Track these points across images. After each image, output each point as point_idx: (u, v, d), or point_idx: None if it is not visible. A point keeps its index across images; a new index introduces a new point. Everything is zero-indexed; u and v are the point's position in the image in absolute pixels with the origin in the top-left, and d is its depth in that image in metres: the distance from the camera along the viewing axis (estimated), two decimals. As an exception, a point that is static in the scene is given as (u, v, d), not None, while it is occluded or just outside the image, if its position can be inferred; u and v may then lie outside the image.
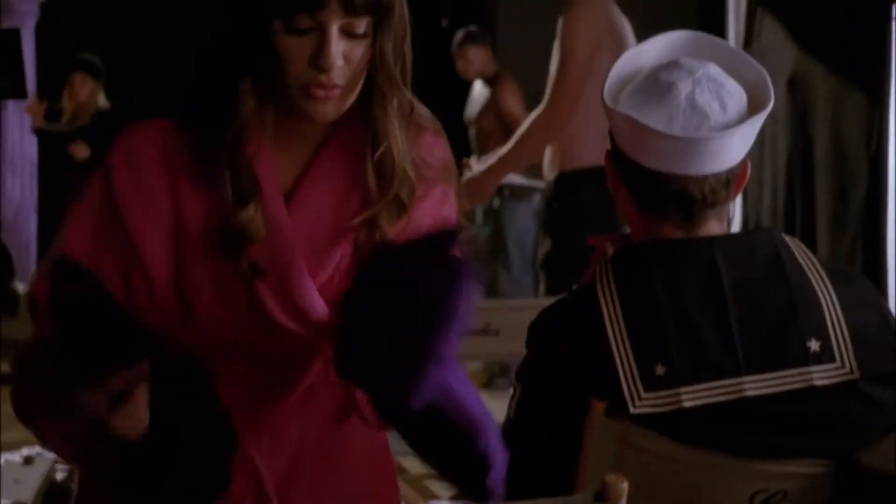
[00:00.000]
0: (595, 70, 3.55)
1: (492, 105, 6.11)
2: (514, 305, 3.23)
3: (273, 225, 1.55)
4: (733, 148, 1.56)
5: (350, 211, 1.58)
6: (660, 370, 1.51)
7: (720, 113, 1.55)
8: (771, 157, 3.78)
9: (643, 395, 1.50)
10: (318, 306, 1.59)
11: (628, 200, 1.64)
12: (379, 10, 1.50)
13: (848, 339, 1.53)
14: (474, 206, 4.07)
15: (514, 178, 4.37)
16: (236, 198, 1.53)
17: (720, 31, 4.20)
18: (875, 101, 3.20)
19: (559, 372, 1.60)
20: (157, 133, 1.54)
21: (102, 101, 6.68)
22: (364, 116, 1.57)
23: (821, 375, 1.51)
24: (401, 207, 1.59)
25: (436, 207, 1.64)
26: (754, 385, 1.50)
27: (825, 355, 1.52)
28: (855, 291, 1.59)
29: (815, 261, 1.60)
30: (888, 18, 3.17)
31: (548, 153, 3.77)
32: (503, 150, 3.78)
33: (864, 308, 1.59)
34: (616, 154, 1.64)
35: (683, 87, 1.56)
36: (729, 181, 1.58)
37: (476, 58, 6.22)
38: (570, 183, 3.67)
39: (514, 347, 2.91)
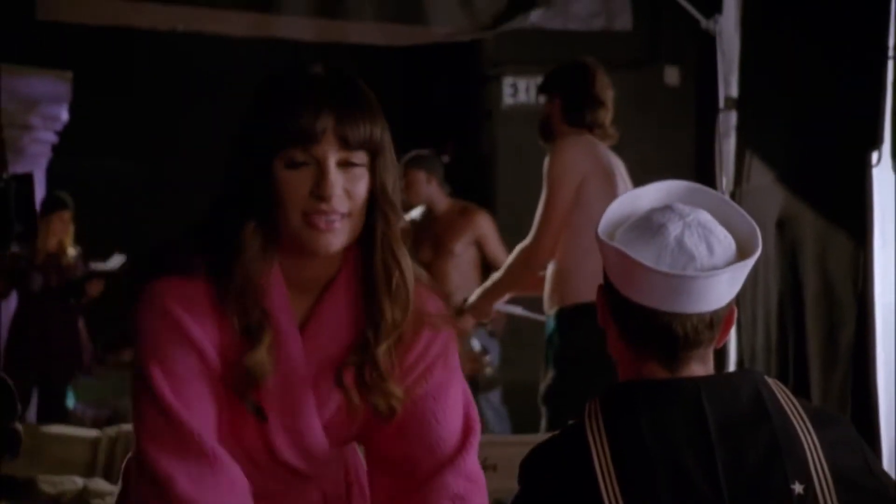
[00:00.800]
0: (583, 202, 3.66)
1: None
2: (511, 441, 3.27)
3: (287, 362, 1.61)
4: (718, 291, 1.61)
5: (350, 341, 1.65)
6: None
7: (707, 256, 1.61)
8: (763, 296, 3.85)
9: None
10: (322, 443, 1.66)
11: (616, 336, 1.69)
12: (373, 145, 1.60)
13: (831, 483, 1.57)
14: (476, 323, 4.22)
15: (517, 310, 4.41)
16: (247, 339, 1.59)
17: (711, 173, 4.32)
18: (859, 242, 3.31)
19: None
20: (173, 284, 1.62)
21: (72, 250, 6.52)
22: (368, 250, 1.64)
23: None
24: (398, 338, 1.66)
25: (443, 353, 1.72)
26: None
27: (809, 498, 1.55)
28: (836, 434, 1.63)
29: (796, 403, 1.65)
30: (866, 165, 3.30)
31: (547, 288, 3.82)
32: (496, 275, 3.96)
33: (846, 451, 1.62)
34: (607, 288, 1.69)
35: (673, 229, 1.62)
36: (713, 323, 1.62)
37: (418, 182, 5.80)
38: (570, 318, 3.70)
39: (512, 483, 2.95)
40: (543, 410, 3.79)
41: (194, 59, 7.19)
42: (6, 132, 7.10)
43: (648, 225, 1.64)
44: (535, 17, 6.39)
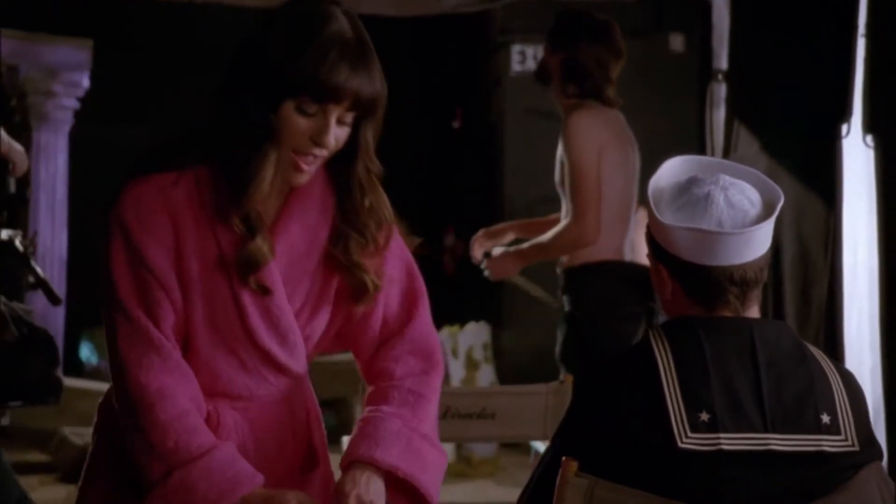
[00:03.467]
0: (603, 170, 3.65)
1: None
2: (508, 391, 3.49)
3: None
4: (767, 235, 1.90)
5: (319, 242, 1.90)
6: (704, 416, 1.82)
7: (752, 207, 1.88)
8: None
9: (689, 434, 1.81)
10: (294, 328, 1.90)
11: (682, 297, 1.93)
12: (373, 111, 1.85)
13: (851, 418, 1.87)
14: (498, 279, 3.98)
15: (538, 291, 4.34)
16: (248, 232, 1.83)
17: (702, 142, 4.53)
18: (830, 208, 3.55)
19: (611, 408, 1.86)
20: (156, 187, 1.85)
21: None
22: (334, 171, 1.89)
23: (829, 444, 1.84)
24: (367, 236, 1.91)
25: (399, 248, 1.99)
26: (778, 442, 1.82)
27: (833, 428, 1.85)
28: (852, 382, 1.94)
29: (825, 356, 1.95)
30: (836, 137, 3.53)
31: None
32: (540, 239, 3.79)
33: (858, 395, 1.93)
34: (667, 260, 1.93)
35: (717, 194, 1.88)
36: (762, 268, 1.91)
37: None
38: (578, 277, 3.77)
39: (509, 431, 3.18)
40: (561, 367, 3.83)
41: (208, 30, 7.33)
42: (30, 98, 7.33)
43: (693, 198, 1.89)
44: (542, -14, 6.54)
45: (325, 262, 1.93)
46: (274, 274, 1.88)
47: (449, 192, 8.55)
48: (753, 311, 1.93)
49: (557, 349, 3.84)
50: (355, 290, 1.95)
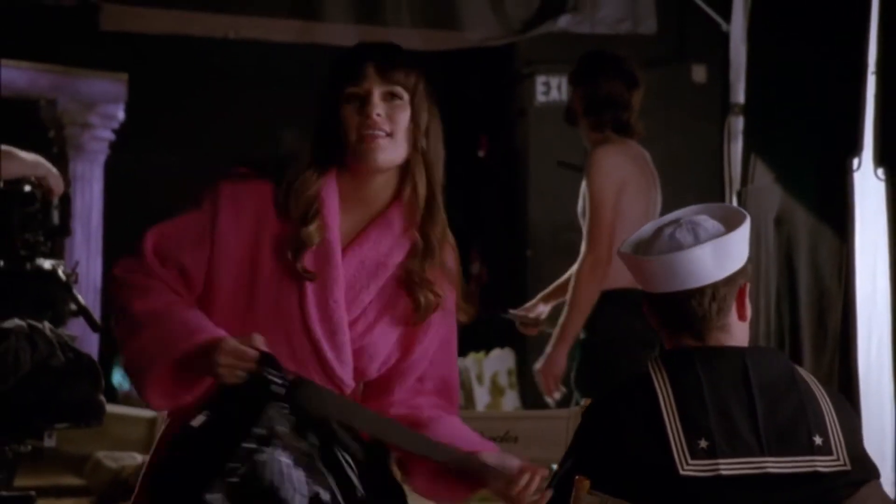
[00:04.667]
0: (622, 204, 3.77)
1: None
2: (531, 415, 3.60)
3: (326, 245, 2.07)
4: (705, 265, 1.99)
5: (389, 265, 2.10)
6: (703, 444, 1.93)
7: (692, 241, 2.00)
8: (765, 287, 4.18)
9: (689, 461, 1.93)
10: (344, 328, 2.06)
11: (657, 325, 2.08)
12: (409, 83, 2.10)
13: (842, 438, 1.97)
14: (554, 389, 3.89)
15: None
16: (301, 220, 2.06)
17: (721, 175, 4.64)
18: (843, 238, 3.67)
19: (616, 437, 1.98)
20: (253, 186, 2.10)
21: None
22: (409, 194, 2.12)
23: (823, 464, 1.95)
24: (433, 252, 2.12)
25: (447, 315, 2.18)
26: (774, 464, 1.93)
27: (825, 448, 1.95)
28: (842, 404, 2.05)
29: (815, 380, 2.07)
30: (847, 170, 3.66)
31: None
32: (561, 320, 3.83)
33: (849, 416, 2.04)
34: (643, 292, 2.09)
35: (667, 230, 2.03)
36: (715, 296, 2.00)
37: None
38: (595, 305, 3.82)
39: (532, 454, 3.29)
40: (575, 393, 3.89)
41: (239, 63, 7.48)
42: (67, 130, 7.53)
43: (651, 232, 2.06)
44: (564, 22, 6.67)
45: (393, 285, 2.13)
46: (335, 273, 2.07)
47: (474, 220, 8.65)
48: (723, 339, 2.02)
49: (573, 374, 3.91)
50: (417, 305, 2.13)
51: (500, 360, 6.89)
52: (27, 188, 3.30)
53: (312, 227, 2.06)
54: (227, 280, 2.07)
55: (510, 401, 6.89)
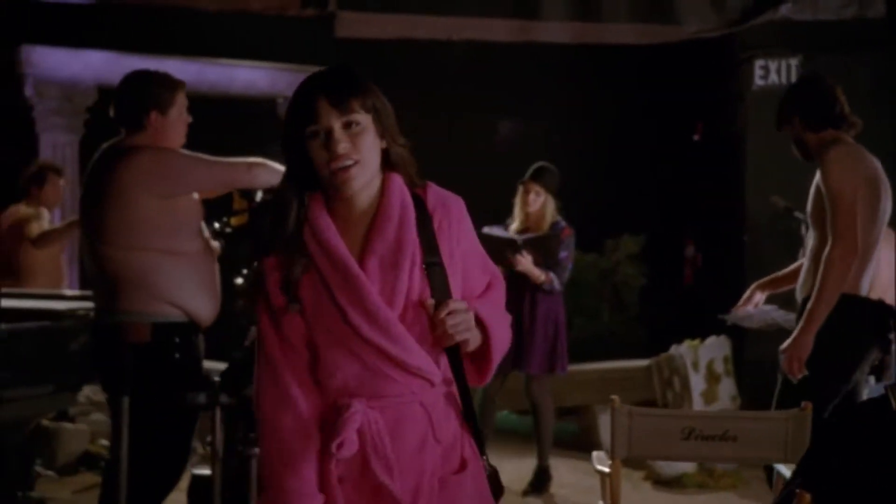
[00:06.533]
0: (857, 205, 3.86)
1: None
2: (750, 416, 3.65)
3: (338, 261, 2.14)
4: None
5: (406, 248, 2.16)
6: None
7: None
8: None
9: None
10: (395, 323, 2.13)
11: None
12: (367, 104, 2.15)
13: None
14: (798, 371, 3.92)
15: (777, 316, 4.38)
16: (291, 258, 2.17)
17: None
18: None
19: (850, 458, 2.02)
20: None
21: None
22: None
23: None
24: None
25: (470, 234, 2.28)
26: None
27: None
28: None
29: None
30: None
31: (802, 275, 4.07)
32: (809, 305, 3.91)
33: None
34: None
35: None
36: None
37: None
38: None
39: (750, 453, 3.38)
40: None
41: (458, 64, 7.66)
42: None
43: None
44: (785, 9, 6.62)
45: (418, 270, 2.19)
46: (358, 282, 2.15)
47: (689, 205, 8.62)
48: None
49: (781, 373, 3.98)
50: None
51: (716, 348, 6.89)
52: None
53: (297, 266, 2.16)
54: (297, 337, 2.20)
55: (726, 388, 6.89)
